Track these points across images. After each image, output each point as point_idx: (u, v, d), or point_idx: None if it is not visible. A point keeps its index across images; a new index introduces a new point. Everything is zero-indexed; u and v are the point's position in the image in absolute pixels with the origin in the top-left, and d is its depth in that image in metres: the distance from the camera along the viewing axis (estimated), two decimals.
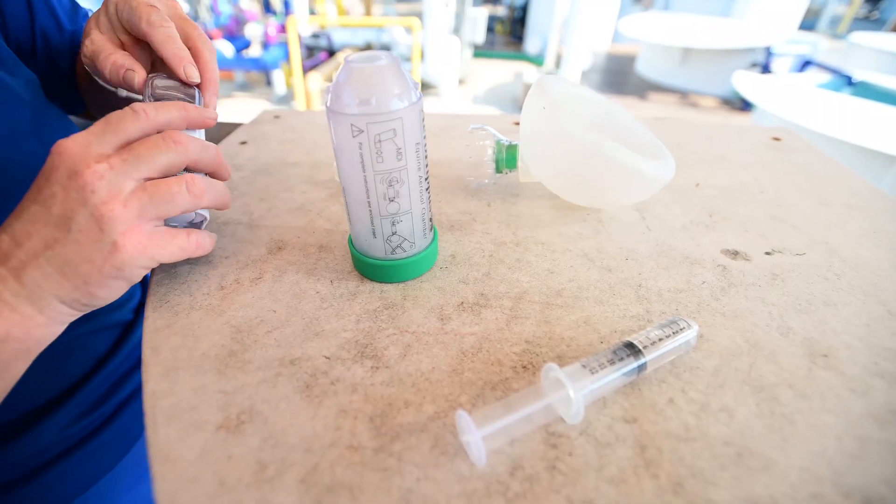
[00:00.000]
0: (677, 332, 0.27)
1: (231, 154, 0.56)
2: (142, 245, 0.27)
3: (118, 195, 0.26)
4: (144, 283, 0.52)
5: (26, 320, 0.26)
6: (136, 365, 0.47)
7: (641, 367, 0.26)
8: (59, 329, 0.28)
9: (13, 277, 0.25)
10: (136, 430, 0.46)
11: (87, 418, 0.41)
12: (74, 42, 0.46)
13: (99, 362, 0.43)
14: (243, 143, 0.59)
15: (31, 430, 0.37)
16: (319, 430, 0.25)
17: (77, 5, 0.48)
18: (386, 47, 4.13)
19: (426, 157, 0.31)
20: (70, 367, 0.40)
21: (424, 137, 0.30)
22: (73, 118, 0.48)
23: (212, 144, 0.31)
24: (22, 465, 0.37)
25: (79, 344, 0.40)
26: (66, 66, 0.45)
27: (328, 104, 0.28)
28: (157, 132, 0.28)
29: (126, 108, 0.27)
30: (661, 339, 0.27)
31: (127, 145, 0.27)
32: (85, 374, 0.41)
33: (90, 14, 0.49)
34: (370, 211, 0.31)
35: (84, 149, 0.25)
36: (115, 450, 0.44)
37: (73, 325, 0.39)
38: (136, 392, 0.46)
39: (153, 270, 0.36)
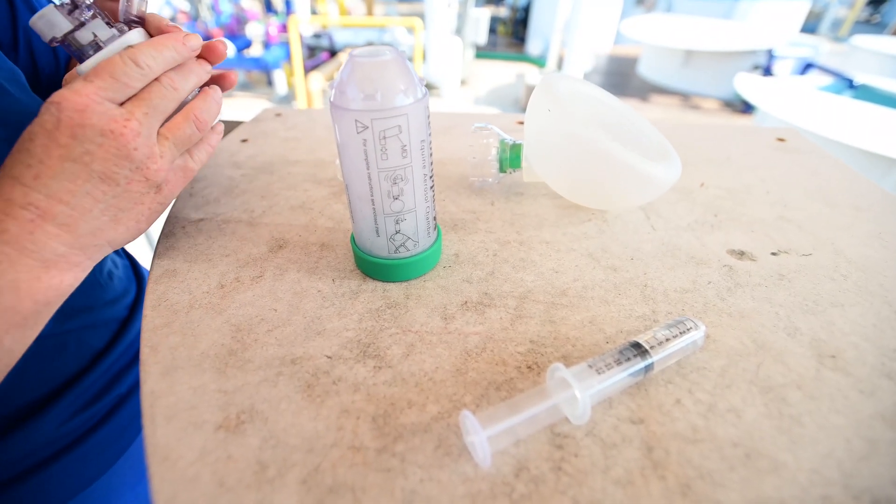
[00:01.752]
0: (684, 332, 0.27)
1: (232, 152, 0.55)
2: (176, 178, 0.33)
3: (154, 148, 0.30)
4: (141, 281, 0.52)
5: (76, 267, 0.29)
6: (133, 361, 0.46)
7: (648, 368, 0.25)
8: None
9: (66, 232, 0.27)
10: (134, 428, 0.46)
11: (83, 414, 0.41)
12: (59, 49, 0.45)
13: (94, 358, 0.42)
14: (244, 140, 0.58)
15: (26, 428, 0.37)
16: (321, 430, 0.24)
17: None
18: None
19: (431, 154, 0.31)
20: (65, 363, 0.40)
21: (429, 135, 0.30)
22: None
23: (187, 68, 0.33)
24: (16, 463, 0.37)
25: (73, 339, 0.40)
26: (49, 69, 0.45)
27: (332, 99, 0.28)
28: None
29: (126, 60, 0.28)
30: (668, 340, 0.26)
31: (134, 96, 0.30)
32: (80, 370, 0.41)
33: None
34: (374, 209, 0.30)
35: (102, 106, 0.27)
36: (113, 448, 0.43)
37: (67, 321, 0.39)
38: (134, 388, 0.46)
39: (152, 267, 0.36)
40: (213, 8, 4.55)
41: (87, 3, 0.32)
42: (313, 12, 4.58)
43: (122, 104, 0.29)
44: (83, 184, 0.27)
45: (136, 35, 0.33)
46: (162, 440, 0.24)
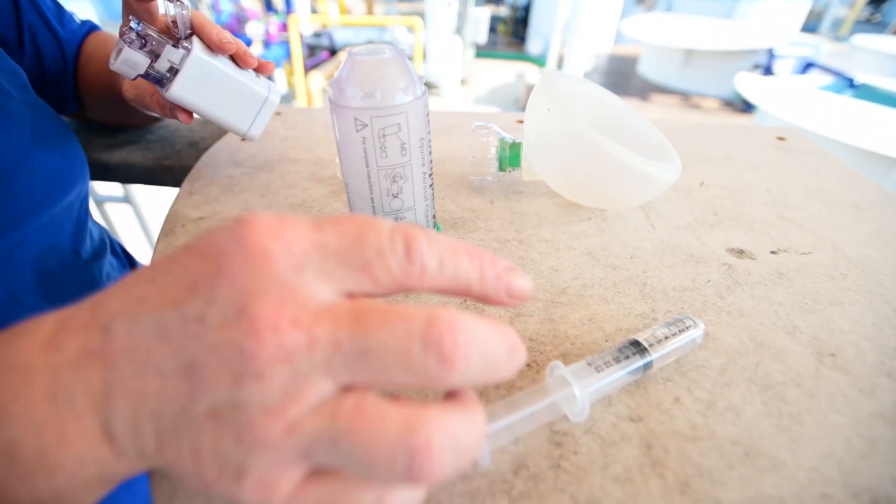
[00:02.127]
0: (683, 330, 0.27)
1: (231, 150, 0.55)
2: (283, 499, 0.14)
3: (292, 403, 0.13)
4: None
5: (99, 458, 0.15)
6: None
7: (647, 366, 0.25)
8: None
9: (104, 399, 0.14)
10: None
11: None
12: (64, 45, 0.46)
13: None
14: (244, 139, 0.58)
15: None
16: None
17: (61, 7, 0.48)
18: None
19: (430, 152, 0.31)
20: None
21: (429, 133, 0.30)
22: (63, 118, 0.47)
23: (500, 331, 0.15)
24: None
25: None
26: (55, 67, 0.45)
27: (332, 97, 0.28)
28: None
29: (397, 236, 0.15)
30: (667, 338, 0.26)
31: (357, 300, 0.15)
32: None
33: (74, 17, 0.50)
34: (373, 207, 0.30)
35: (292, 275, 0.14)
36: None
37: None
38: None
39: None
40: (214, 7, 4.55)
41: (147, 31, 0.34)
42: (313, 11, 4.58)
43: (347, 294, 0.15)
44: (164, 357, 0.14)
45: (197, 45, 0.35)
46: None
